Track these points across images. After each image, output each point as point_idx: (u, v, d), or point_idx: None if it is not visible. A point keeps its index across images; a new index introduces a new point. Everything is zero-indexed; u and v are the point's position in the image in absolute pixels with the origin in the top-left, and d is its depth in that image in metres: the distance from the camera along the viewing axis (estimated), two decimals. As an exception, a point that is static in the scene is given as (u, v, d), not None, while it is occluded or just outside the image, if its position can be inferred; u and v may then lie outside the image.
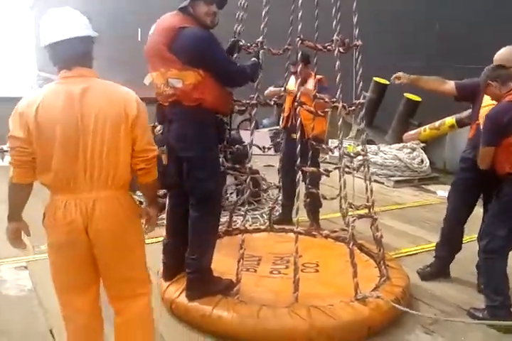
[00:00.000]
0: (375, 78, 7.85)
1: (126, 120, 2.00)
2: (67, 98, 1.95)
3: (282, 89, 4.17)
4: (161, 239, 4.16)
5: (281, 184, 4.34)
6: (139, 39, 20.01)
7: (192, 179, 2.91)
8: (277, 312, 2.78)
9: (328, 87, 4.23)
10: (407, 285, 3.29)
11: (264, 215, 5.00)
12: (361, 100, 3.17)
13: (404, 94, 7.77)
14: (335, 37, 3.05)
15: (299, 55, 3.86)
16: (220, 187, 3.22)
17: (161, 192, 4.86)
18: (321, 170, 3.30)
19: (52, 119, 1.94)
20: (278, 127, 5.30)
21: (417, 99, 7.69)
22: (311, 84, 4.30)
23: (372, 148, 6.99)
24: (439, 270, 3.71)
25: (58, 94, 1.97)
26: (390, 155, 6.72)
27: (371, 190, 3.31)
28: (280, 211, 4.92)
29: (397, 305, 2.81)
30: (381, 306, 2.91)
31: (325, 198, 3.79)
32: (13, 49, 47.17)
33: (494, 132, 2.92)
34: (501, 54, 3.20)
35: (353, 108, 3.14)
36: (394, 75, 3.56)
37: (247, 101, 3.38)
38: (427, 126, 7.23)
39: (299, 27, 3.03)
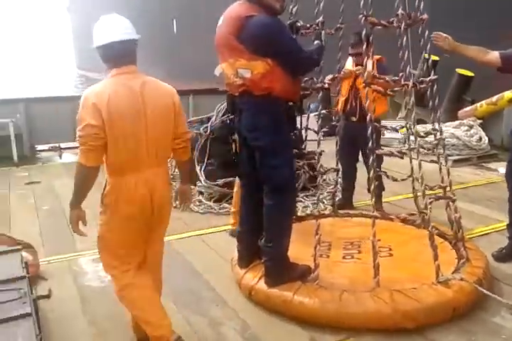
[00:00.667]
0: (424, 54, 7.55)
1: (173, 108, 2.41)
2: (131, 91, 2.29)
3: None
4: (228, 227, 4.28)
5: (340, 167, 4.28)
6: (175, 31, 20.16)
7: (265, 167, 2.91)
8: (359, 297, 2.77)
9: (386, 66, 4.12)
10: (487, 266, 3.20)
11: (324, 200, 4.97)
12: (432, 77, 3.06)
13: (456, 70, 7.47)
14: (400, 11, 2.95)
15: (362, 34, 3.76)
16: (295, 174, 3.19)
17: (221, 181, 4.95)
18: (394, 151, 3.21)
19: (121, 109, 2.26)
20: (324, 111, 5.22)
21: (470, 74, 7.39)
22: (370, 64, 4.19)
23: (427, 127, 6.78)
24: None
25: (122, 87, 2.29)
26: (447, 133, 6.49)
27: (447, 171, 3.21)
28: (340, 195, 4.88)
29: (480, 288, 2.74)
30: (464, 288, 2.85)
31: (395, 180, 3.71)
32: (51, 49, 48.45)
33: None
34: None
35: (423, 86, 3.03)
36: (434, 33, 3.19)
37: (313, 86, 3.32)
38: (483, 102, 6.94)
39: (361, 3, 2.93)
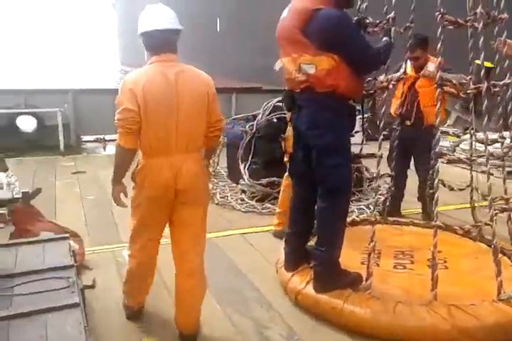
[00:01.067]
0: (476, 61, 7.26)
1: (208, 97, 2.43)
2: (166, 78, 2.33)
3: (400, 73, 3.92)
4: (271, 228, 4.19)
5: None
6: (218, 29, 20.23)
7: (323, 167, 2.79)
8: (415, 310, 2.62)
9: (452, 68, 3.92)
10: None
11: (370, 206, 4.81)
12: (507, 80, 2.88)
13: (476, 61, 7.13)
14: (479, 10, 2.78)
15: (417, 38, 3.61)
16: (352, 175, 3.06)
17: (265, 181, 4.86)
18: (462, 157, 3.05)
19: (155, 96, 2.32)
20: (368, 114, 5.04)
21: (490, 65, 7.03)
22: (431, 67, 4.02)
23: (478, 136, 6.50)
24: None
25: (158, 74, 2.35)
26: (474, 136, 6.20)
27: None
28: (388, 202, 4.70)
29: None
30: (529, 308, 2.66)
31: (452, 189, 3.54)
32: (97, 45, 49.71)
33: None
34: None
35: (497, 89, 2.86)
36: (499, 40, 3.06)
37: (378, 85, 3.19)
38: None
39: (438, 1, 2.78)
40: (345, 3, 2.70)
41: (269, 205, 4.74)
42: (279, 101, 5.00)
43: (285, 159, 4.02)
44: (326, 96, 2.69)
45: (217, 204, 4.89)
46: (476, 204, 3.88)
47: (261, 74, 14.08)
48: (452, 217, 4.48)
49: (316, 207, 2.90)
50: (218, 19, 20.09)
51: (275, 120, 4.92)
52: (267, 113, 4.97)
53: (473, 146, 3.71)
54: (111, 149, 7.75)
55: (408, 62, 4.15)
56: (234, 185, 5.37)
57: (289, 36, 2.69)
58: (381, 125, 3.09)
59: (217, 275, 3.22)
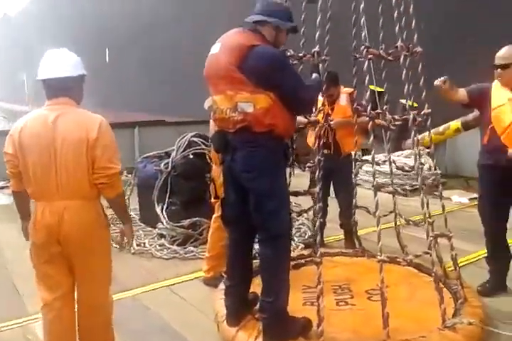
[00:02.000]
0: (370, 86, 7.76)
1: (87, 143, 2.32)
2: (45, 123, 2.33)
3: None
4: (199, 274, 3.91)
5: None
6: (107, 60, 19.61)
7: (262, 212, 2.63)
8: (371, 352, 2.54)
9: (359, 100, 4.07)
10: (483, 304, 3.11)
11: (294, 238, 4.74)
12: (426, 110, 3.02)
13: (370, 86, 7.72)
14: (399, 43, 2.90)
15: (330, 76, 3.69)
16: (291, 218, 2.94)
17: (186, 222, 4.58)
18: (399, 189, 3.10)
19: (30, 140, 2.33)
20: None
21: (381, 89, 7.67)
22: (344, 99, 4.14)
23: (380, 157, 6.87)
24: (498, 284, 3.56)
25: (38, 119, 2.37)
26: (400, 163, 6.60)
27: (442, 207, 3.15)
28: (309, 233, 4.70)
29: (496, 330, 2.61)
30: (472, 331, 2.72)
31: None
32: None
33: None
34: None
35: (420, 119, 2.98)
36: (441, 79, 3.31)
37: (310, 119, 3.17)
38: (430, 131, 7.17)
39: (363, 34, 2.84)
40: (277, 44, 2.65)
41: (193, 248, 4.46)
42: (193, 136, 4.81)
43: (212, 200, 3.84)
44: (263, 136, 2.56)
45: (133, 253, 4.48)
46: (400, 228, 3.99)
47: (164, 106, 13.88)
48: (370, 240, 4.57)
49: (258, 254, 2.75)
50: (107, 50, 19.49)
51: (191, 156, 4.71)
52: (181, 149, 4.74)
53: (392, 172, 3.83)
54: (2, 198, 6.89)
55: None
56: (149, 229, 5.02)
57: (225, 73, 2.54)
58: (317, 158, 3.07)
59: (152, 340, 2.87)
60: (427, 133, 7.41)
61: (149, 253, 4.47)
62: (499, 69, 3.26)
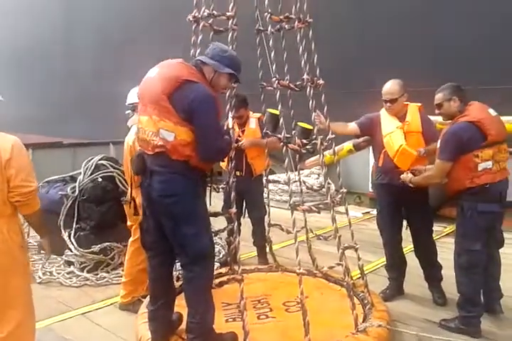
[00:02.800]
0: (268, 110, 8.20)
1: (1, 162, 2.39)
2: None
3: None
4: (113, 300, 3.81)
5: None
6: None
7: (181, 236, 2.68)
8: (295, 360, 2.71)
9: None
10: (387, 308, 3.46)
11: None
12: (331, 135, 3.34)
13: (298, 123, 8.25)
14: (305, 76, 3.19)
15: (239, 99, 3.92)
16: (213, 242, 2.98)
17: (97, 247, 4.42)
18: (313, 207, 3.34)
19: None
20: None
21: (310, 127, 8.22)
22: (253, 123, 4.38)
23: (282, 176, 7.25)
24: (397, 289, 3.98)
25: None
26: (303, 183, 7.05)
27: (349, 221, 3.46)
28: (224, 252, 4.81)
29: (402, 330, 2.93)
30: (381, 333, 3.01)
31: (289, 232, 3.80)
32: None
33: (455, 148, 3.15)
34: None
35: (327, 144, 3.29)
36: (316, 114, 3.49)
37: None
38: (326, 152, 7.75)
39: (273, 67, 3.08)
40: (215, 91, 2.74)
41: (105, 274, 4.32)
42: (101, 159, 4.70)
43: (128, 223, 3.79)
44: (180, 164, 2.63)
45: (39, 283, 4.22)
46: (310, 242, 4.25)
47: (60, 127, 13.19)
48: (281, 255, 4.82)
49: (181, 276, 2.80)
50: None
51: (100, 179, 4.58)
52: (89, 172, 4.60)
53: (302, 191, 4.11)
54: None
55: (230, 119, 4.44)
56: (54, 257, 4.74)
57: (155, 99, 2.60)
58: (230, 180, 3.20)
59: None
60: (327, 152, 8.03)
61: (58, 282, 4.24)
62: (388, 103, 3.70)
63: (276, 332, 3.12)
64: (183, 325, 2.92)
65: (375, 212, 7.12)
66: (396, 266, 3.98)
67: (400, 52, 7.41)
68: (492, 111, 3.30)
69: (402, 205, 3.83)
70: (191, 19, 3.29)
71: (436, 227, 6.13)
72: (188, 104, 2.55)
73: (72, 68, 14.47)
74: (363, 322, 3.13)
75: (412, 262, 3.97)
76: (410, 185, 3.48)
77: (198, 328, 2.72)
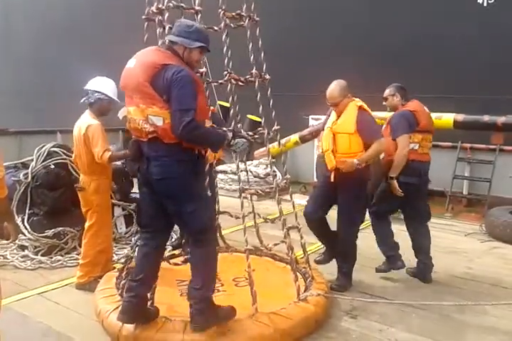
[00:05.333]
0: (219, 102, 8.44)
1: None
2: None
3: None
4: (69, 281, 3.96)
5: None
6: None
7: (182, 214, 2.87)
8: (244, 324, 3.02)
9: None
10: (326, 281, 3.84)
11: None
12: (276, 127, 3.64)
13: (248, 116, 8.57)
14: (254, 71, 3.47)
15: None
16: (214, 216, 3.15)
17: (50, 232, 4.52)
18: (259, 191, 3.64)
19: None
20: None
21: (258, 119, 8.56)
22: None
23: (232, 166, 7.53)
24: (329, 256, 4.27)
25: None
26: (250, 172, 7.37)
27: (293, 204, 3.80)
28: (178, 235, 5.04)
29: (340, 297, 3.31)
30: (319, 301, 3.39)
31: (238, 218, 4.08)
32: None
33: (406, 124, 3.97)
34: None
35: (272, 134, 3.59)
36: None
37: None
38: (274, 144, 8.11)
39: (225, 61, 3.35)
40: (192, 68, 2.86)
41: (60, 257, 4.44)
42: (53, 147, 4.78)
43: (83, 209, 3.91)
44: (174, 147, 2.76)
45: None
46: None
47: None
48: (231, 239, 5.11)
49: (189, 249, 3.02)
50: None
51: (52, 166, 4.66)
52: (41, 159, 4.67)
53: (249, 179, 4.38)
54: None
55: None
56: (5, 242, 4.78)
57: (138, 88, 2.72)
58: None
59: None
60: (271, 145, 8.39)
61: (12, 266, 4.32)
62: (332, 106, 3.93)
63: (227, 303, 3.38)
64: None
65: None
66: (318, 237, 4.27)
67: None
68: (426, 108, 4.20)
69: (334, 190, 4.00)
70: (154, 10, 3.40)
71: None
72: (167, 86, 2.67)
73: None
74: (304, 292, 3.49)
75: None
76: (358, 166, 3.72)
77: (201, 293, 2.91)
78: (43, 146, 4.82)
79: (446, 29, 7.29)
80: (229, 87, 3.44)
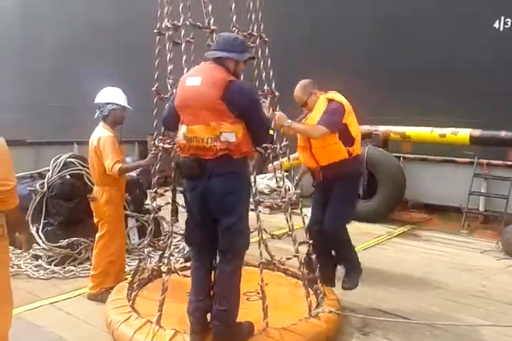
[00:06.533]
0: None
1: None
2: None
3: None
4: (81, 291, 3.97)
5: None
6: None
7: (234, 232, 2.86)
8: (254, 339, 2.99)
9: None
10: (337, 297, 3.80)
11: (174, 254, 5.03)
12: (285, 142, 3.67)
13: None
14: (266, 87, 3.53)
15: None
16: None
17: (64, 242, 4.55)
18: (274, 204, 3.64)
19: None
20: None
21: (271, 132, 8.58)
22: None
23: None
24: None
25: None
26: (263, 184, 7.37)
27: (303, 219, 3.79)
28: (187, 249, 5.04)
29: (353, 315, 3.28)
30: (331, 318, 3.35)
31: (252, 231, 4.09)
32: None
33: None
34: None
35: (285, 148, 3.63)
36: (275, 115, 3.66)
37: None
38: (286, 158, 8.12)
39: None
40: (237, 72, 2.95)
41: (72, 268, 4.48)
42: (69, 157, 4.85)
43: (95, 219, 3.95)
44: (239, 162, 2.83)
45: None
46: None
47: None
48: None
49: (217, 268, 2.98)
50: None
51: (68, 177, 4.73)
52: (57, 169, 4.74)
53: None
54: None
55: None
56: (19, 251, 4.84)
57: (209, 105, 2.74)
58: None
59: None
60: (284, 158, 8.43)
61: (25, 275, 4.37)
62: (302, 107, 3.91)
63: (239, 317, 3.38)
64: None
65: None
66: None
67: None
68: None
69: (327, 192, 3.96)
70: (169, 26, 3.47)
71: (387, 229, 6.67)
72: (242, 103, 2.75)
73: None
74: (316, 308, 3.46)
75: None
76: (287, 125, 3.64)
77: (226, 315, 2.88)
78: (60, 157, 4.90)
79: (462, 53, 7.34)
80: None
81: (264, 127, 2.97)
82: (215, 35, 3.43)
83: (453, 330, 3.52)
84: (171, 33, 3.46)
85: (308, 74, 4.01)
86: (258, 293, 3.79)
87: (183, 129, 2.85)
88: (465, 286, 4.49)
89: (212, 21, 3.56)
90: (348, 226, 4.03)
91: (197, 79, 2.82)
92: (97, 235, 3.97)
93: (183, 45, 3.44)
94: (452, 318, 3.73)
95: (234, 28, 3.53)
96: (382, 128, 7.15)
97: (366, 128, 7.19)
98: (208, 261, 3.06)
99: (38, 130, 11.91)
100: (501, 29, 6.99)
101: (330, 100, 3.72)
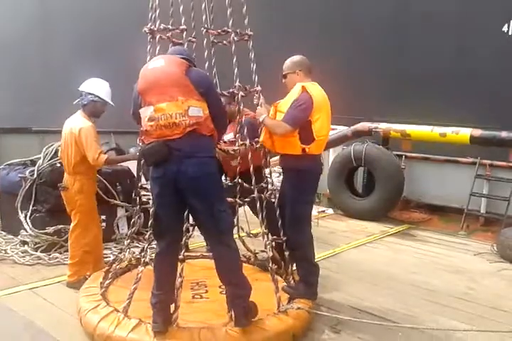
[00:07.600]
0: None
1: None
2: None
3: None
4: (62, 278, 4.04)
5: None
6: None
7: (216, 213, 2.86)
8: (216, 333, 2.98)
9: None
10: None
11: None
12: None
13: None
14: (237, 83, 3.56)
15: None
16: None
17: (51, 229, 4.62)
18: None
19: None
20: None
21: None
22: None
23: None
24: None
25: None
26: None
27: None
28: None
29: (321, 312, 3.27)
30: (300, 315, 3.32)
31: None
32: None
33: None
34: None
35: (258, 145, 3.70)
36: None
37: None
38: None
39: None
40: None
41: (58, 254, 4.54)
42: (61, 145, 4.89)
43: (67, 208, 3.96)
44: (208, 139, 2.91)
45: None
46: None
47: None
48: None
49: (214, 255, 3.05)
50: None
51: (58, 165, 4.78)
52: (48, 157, 4.80)
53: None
54: None
55: None
56: (11, 237, 4.96)
57: (177, 80, 2.83)
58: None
59: (15, 338, 3.01)
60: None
61: (11, 260, 4.45)
62: (282, 78, 3.71)
63: (204, 309, 3.40)
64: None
65: (330, 211, 7.53)
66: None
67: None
68: None
69: None
70: (147, 31, 3.66)
71: (382, 227, 6.59)
72: (202, 83, 2.88)
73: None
74: (287, 304, 3.44)
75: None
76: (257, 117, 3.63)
77: (242, 293, 3.02)
78: (52, 145, 4.95)
79: (472, 59, 7.26)
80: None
81: (222, 111, 3.12)
82: (184, 34, 3.60)
83: (428, 332, 3.46)
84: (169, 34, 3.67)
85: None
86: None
87: (149, 110, 2.83)
88: (451, 288, 4.41)
89: (182, 21, 3.64)
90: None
91: (160, 61, 2.95)
92: (71, 225, 3.98)
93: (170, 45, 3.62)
94: (432, 320, 3.67)
95: (202, 28, 3.65)
96: (382, 126, 7.04)
97: (366, 125, 7.12)
98: (176, 254, 3.07)
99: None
100: (510, 33, 6.86)
101: (303, 89, 3.50)
